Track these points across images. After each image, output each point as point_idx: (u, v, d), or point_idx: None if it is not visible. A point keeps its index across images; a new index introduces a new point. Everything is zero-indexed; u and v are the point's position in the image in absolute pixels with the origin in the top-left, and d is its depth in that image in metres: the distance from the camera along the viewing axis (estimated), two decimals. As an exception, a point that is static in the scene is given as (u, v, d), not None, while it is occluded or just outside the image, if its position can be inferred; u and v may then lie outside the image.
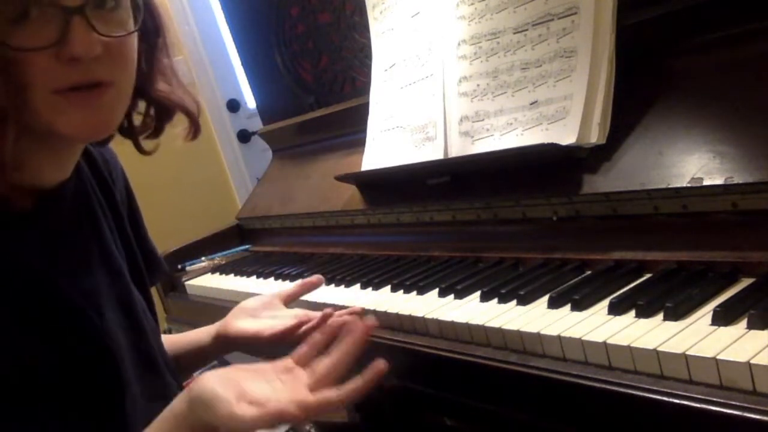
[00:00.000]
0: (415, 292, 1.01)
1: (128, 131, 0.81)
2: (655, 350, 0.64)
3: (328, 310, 0.92)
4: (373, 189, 1.35)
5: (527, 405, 0.77)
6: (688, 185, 0.81)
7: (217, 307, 1.42)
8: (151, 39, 0.77)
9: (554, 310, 0.81)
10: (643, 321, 0.71)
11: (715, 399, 0.58)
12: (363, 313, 0.94)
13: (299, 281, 1.07)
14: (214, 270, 1.60)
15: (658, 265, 0.84)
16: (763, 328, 0.63)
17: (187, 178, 3.02)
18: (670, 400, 0.61)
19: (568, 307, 0.80)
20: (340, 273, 1.21)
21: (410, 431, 1.35)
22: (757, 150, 0.77)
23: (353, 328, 0.76)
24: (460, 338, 0.85)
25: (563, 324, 0.75)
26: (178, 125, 0.84)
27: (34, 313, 0.68)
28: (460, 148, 1.14)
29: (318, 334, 0.79)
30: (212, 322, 1.48)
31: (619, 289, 0.81)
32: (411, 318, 0.93)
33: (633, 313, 0.73)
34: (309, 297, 1.15)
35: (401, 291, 1.04)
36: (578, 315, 0.77)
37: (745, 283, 0.74)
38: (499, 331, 0.80)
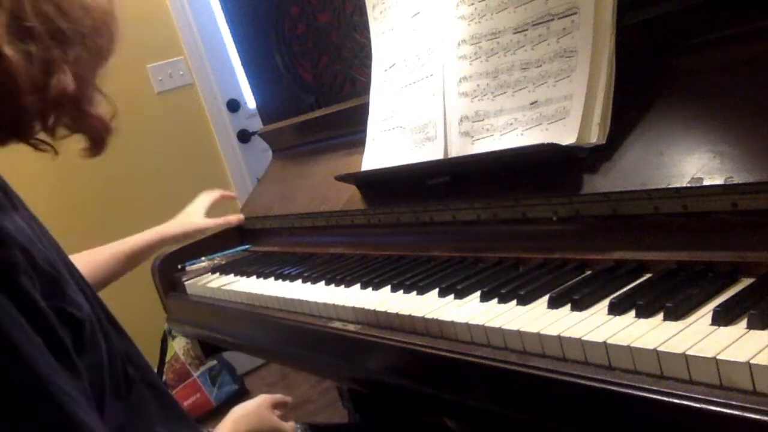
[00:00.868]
0: (415, 292, 1.01)
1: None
2: (655, 350, 0.64)
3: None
4: (373, 189, 1.35)
5: (527, 405, 0.77)
6: (688, 185, 0.81)
7: (218, 307, 1.42)
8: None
9: (554, 310, 0.81)
10: (643, 321, 0.71)
11: (715, 399, 0.58)
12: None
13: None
14: (214, 270, 1.60)
15: (658, 265, 0.84)
16: (763, 328, 0.63)
17: (187, 178, 3.02)
18: (670, 400, 0.61)
19: (568, 307, 0.80)
20: (340, 273, 1.21)
21: (410, 431, 1.35)
22: (757, 150, 0.77)
23: None
24: (460, 338, 0.85)
25: (563, 324, 0.75)
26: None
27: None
28: (460, 148, 1.14)
29: None
30: (212, 322, 1.49)
31: (619, 289, 0.81)
32: (411, 318, 0.93)
33: (633, 313, 0.74)
34: (309, 298, 1.15)
35: (401, 291, 1.04)
36: (578, 315, 0.77)
37: (745, 283, 0.74)
38: (499, 331, 0.80)
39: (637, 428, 0.66)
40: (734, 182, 0.76)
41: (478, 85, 1.11)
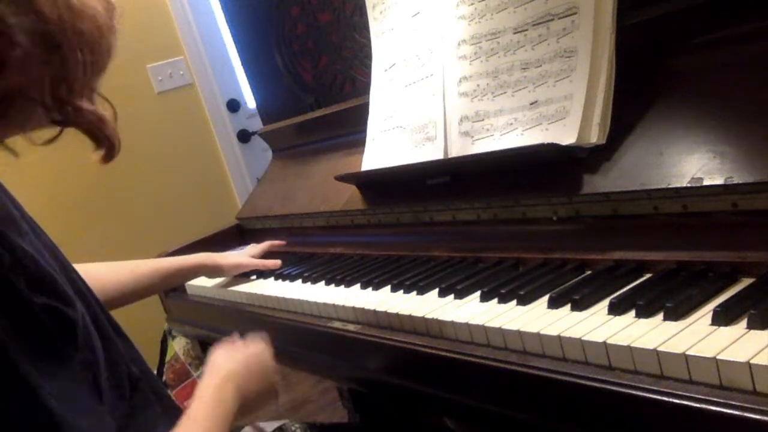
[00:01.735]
0: (415, 292, 1.01)
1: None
2: (655, 350, 0.64)
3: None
4: (373, 189, 1.35)
5: (527, 405, 0.77)
6: (688, 185, 0.81)
7: (218, 307, 1.42)
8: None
9: (554, 310, 0.81)
10: (643, 321, 0.71)
11: (715, 399, 0.58)
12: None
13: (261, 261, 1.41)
14: (214, 270, 1.60)
15: (658, 265, 0.84)
16: (763, 328, 0.63)
17: (187, 178, 3.02)
18: (670, 400, 0.61)
19: (568, 307, 0.80)
20: (340, 273, 1.22)
21: (410, 431, 1.35)
22: (757, 150, 0.77)
23: None
24: (460, 338, 0.85)
25: (563, 324, 0.75)
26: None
27: None
28: (460, 148, 1.14)
29: None
30: (212, 322, 1.49)
31: (619, 289, 0.81)
32: (411, 318, 0.93)
33: (633, 313, 0.74)
34: (309, 298, 1.15)
35: (401, 291, 1.04)
36: (578, 315, 0.77)
37: (745, 283, 0.74)
38: (499, 331, 0.80)
39: (637, 428, 0.66)
40: (734, 182, 0.76)
41: (478, 85, 1.11)
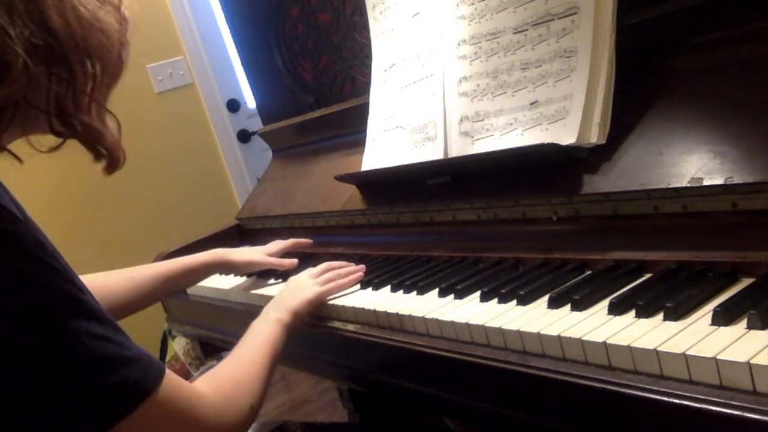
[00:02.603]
0: (415, 292, 1.01)
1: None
2: (655, 350, 0.64)
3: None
4: (373, 189, 1.35)
5: (527, 405, 0.77)
6: (688, 185, 0.81)
7: (218, 307, 1.42)
8: None
9: (554, 310, 0.81)
10: (643, 321, 0.71)
11: (715, 399, 0.58)
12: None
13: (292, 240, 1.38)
14: (214, 270, 1.60)
15: (658, 265, 0.84)
16: (763, 328, 0.63)
17: (187, 178, 3.02)
18: (670, 400, 0.61)
19: (568, 307, 0.80)
20: (340, 273, 1.21)
21: (410, 431, 1.35)
22: (757, 150, 0.77)
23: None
24: (460, 338, 0.85)
25: (563, 324, 0.75)
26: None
27: None
28: (460, 148, 1.14)
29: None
30: (212, 322, 1.49)
31: (619, 289, 0.81)
32: (411, 318, 0.93)
33: (633, 313, 0.73)
34: (309, 297, 1.15)
35: (401, 291, 1.04)
36: (578, 315, 0.77)
37: (745, 283, 0.74)
38: (499, 331, 0.80)
39: (637, 428, 0.66)
40: (734, 182, 0.76)
41: (478, 85, 1.11)
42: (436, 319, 0.89)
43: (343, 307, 1.06)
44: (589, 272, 0.91)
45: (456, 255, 1.12)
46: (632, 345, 0.66)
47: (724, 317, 0.66)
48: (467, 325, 0.84)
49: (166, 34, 3.00)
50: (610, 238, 0.91)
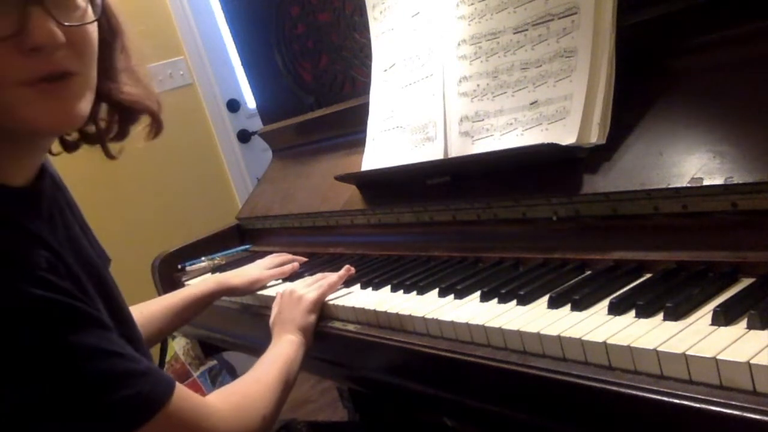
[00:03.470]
0: (415, 292, 1.01)
1: (95, 136, 0.81)
2: (655, 350, 0.64)
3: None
4: (373, 189, 1.35)
5: (527, 405, 0.77)
6: (688, 185, 0.81)
7: (217, 307, 1.42)
8: (109, 39, 0.76)
9: (554, 310, 0.81)
10: (643, 321, 0.71)
11: (715, 399, 0.58)
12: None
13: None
14: (214, 270, 1.60)
15: (658, 265, 0.84)
16: (763, 328, 0.63)
17: (187, 178, 3.02)
18: (670, 400, 0.61)
19: (568, 307, 0.80)
20: (340, 273, 1.21)
21: (410, 431, 1.35)
22: (757, 150, 0.77)
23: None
24: (460, 338, 0.85)
25: (563, 324, 0.75)
26: (138, 124, 0.84)
27: None
28: (460, 148, 1.14)
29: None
30: (212, 322, 1.49)
31: (619, 289, 0.81)
32: (411, 318, 0.93)
33: (633, 313, 0.73)
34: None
35: (401, 291, 1.04)
36: (578, 315, 0.77)
37: (745, 283, 0.74)
38: (499, 331, 0.80)
39: (637, 428, 0.66)
40: (734, 182, 0.76)
41: (478, 85, 1.11)
42: (436, 319, 0.88)
43: (343, 307, 1.06)
44: (589, 272, 0.91)
45: (456, 255, 1.12)
46: (632, 345, 0.66)
47: (724, 317, 0.66)
48: (467, 325, 0.84)
49: (166, 34, 3.00)
50: (610, 238, 0.91)
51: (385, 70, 1.32)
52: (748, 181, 0.75)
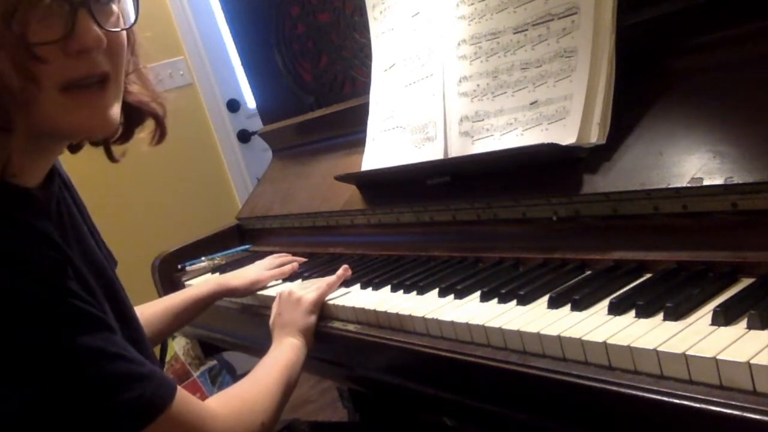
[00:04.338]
0: (415, 292, 1.01)
1: (101, 138, 0.82)
2: (655, 350, 0.64)
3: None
4: (373, 189, 1.35)
5: (527, 405, 0.77)
6: (688, 185, 0.81)
7: (217, 307, 1.42)
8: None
9: (554, 310, 0.81)
10: (643, 321, 0.71)
11: (715, 399, 0.58)
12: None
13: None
14: (214, 270, 1.60)
15: (658, 265, 0.84)
16: (763, 328, 0.63)
17: (187, 178, 3.02)
18: (670, 400, 0.61)
19: (568, 307, 0.80)
20: (340, 273, 1.21)
21: (410, 431, 1.35)
22: (757, 150, 0.77)
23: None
24: (460, 338, 0.85)
25: (563, 324, 0.75)
26: (142, 129, 0.84)
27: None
28: (460, 148, 1.14)
29: None
30: (212, 322, 1.49)
31: (619, 289, 0.81)
32: (411, 318, 0.93)
33: (633, 313, 0.73)
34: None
35: (401, 291, 1.04)
36: (578, 315, 0.77)
37: (745, 283, 0.74)
38: (499, 331, 0.80)
39: (637, 428, 0.66)
40: (734, 182, 0.76)
41: (478, 85, 1.11)
42: (436, 319, 0.88)
43: (343, 307, 1.06)
44: (589, 272, 0.90)
45: (456, 255, 1.12)
46: (632, 345, 0.66)
47: (724, 317, 0.66)
48: (467, 325, 0.84)
49: (166, 34, 3.00)
50: (610, 238, 0.91)
51: (385, 70, 1.32)
52: (748, 181, 0.75)
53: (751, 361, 0.58)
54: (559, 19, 0.99)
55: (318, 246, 1.48)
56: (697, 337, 0.64)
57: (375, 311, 0.99)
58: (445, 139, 1.16)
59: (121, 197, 2.84)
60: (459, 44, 1.15)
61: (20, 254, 0.63)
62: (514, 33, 1.06)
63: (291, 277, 1.30)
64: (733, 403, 0.57)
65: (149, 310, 1.17)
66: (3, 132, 0.66)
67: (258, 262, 1.35)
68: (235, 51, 1.96)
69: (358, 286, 1.13)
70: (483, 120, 1.10)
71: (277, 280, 1.30)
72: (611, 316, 0.75)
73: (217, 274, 1.54)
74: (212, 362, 2.79)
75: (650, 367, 0.65)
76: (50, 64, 0.64)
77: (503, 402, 0.80)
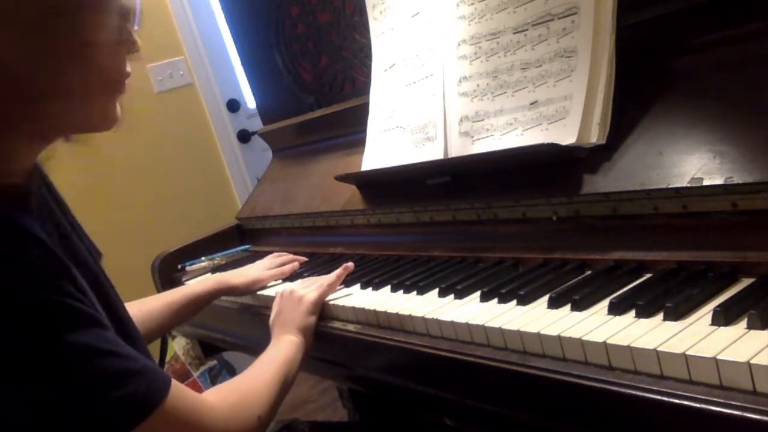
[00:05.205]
0: (415, 292, 1.01)
1: None
2: (655, 350, 0.64)
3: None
4: (373, 189, 1.35)
5: (527, 405, 0.77)
6: (688, 185, 0.81)
7: (217, 307, 1.42)
8: None
9: (554, 310, 0.81)
10: (643, 321, 0.71)
11: (715, 399, 0.58)
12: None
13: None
14: (214, 270, 1.60)
15: (658, 265, 0.84)
16: (763, 328, 0.63)
17: (187, 178, 3.02)
18: (670, 400, 0.61)
19: (568, 307, 0.80)
20: (340, 273, 1.21)
21: (410, 431, 1.35)
22: (757, 150, 0.77)
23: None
24: (460, 338, 0.85)
25: (563, 324, 0.75)
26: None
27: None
28: (460, 148, 1.14)
29: None
30: (212, 322, 1.49)
31: (619, 289, 0.81)
32: (411, 318, 0.93)
33: (633, 313, 0.73)
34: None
35: (401, 291, 1.04)
36: (578, 315, 0.77)
37: (745, 283, 0.74)
38: (499, 331, 0.80)
39: (637, 428, 0.66)
40: (734, 182, 0.76)
41: (478, 85, 1.11)
42: (436, 319, 0.88)
43: (343, 307, 1.06)
44: (589, 272, 0.91)
45: (456, 255, 1.12)
46: (632, 345, 0.66)
47: (724, 317, 0.66)
48: (467, 325, 0.84)
49: (166, 34, 3.00)
50: (610, 238, 0.91)
51: (385, 70, 1.32)
52: (748, 181, 0.75)
53: (751, 361, 0.58)
54: (559, 19, 0.99)
55: (318, 246, 1.48)
56: (697, 337, 0.64)
57: (375, 311, 0.99)
58: (445, 139, 1.16)
59: (122, 197, 2.84)
60: (459, 44, 1.15)
61: (9, 254, 0.63)
62: (514, 33, 1.06)
63: (291, 277, 1.30)
64: (733, 403, 0.57)
65: (149, 305, 1.17)
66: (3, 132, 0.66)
67: (258, 262, 1.35)
68: (235, 51, 1.96)
69: (358, 286, 1.13)
70: (483, 120, 1.10)
71: (277, 279, 1.30)
72: (611, 316, 0.75)
73: (218, 273, 1.54)
74: (212, 362, 2.79)
75: (650, 367, 0.65)
76: (121, 61, 0.72)
77: (503, 402, 0.80)
